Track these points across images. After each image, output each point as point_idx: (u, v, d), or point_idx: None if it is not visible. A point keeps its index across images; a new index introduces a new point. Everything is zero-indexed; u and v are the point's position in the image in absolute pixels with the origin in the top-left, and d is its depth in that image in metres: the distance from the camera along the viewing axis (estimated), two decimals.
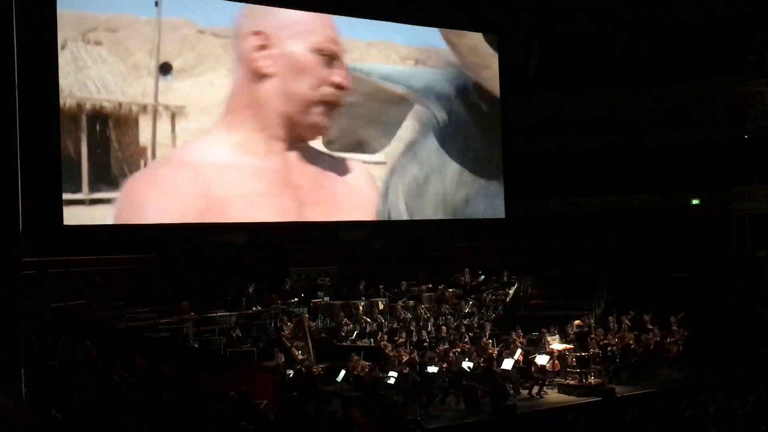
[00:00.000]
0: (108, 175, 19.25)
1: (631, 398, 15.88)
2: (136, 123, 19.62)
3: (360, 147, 22.95)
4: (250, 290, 18.48)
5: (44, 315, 14.32)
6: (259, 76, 20.88)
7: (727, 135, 26.10)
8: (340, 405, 13.95)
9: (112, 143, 19.34)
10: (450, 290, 21.08)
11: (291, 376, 14.81)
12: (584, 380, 16.38)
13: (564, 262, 23.55)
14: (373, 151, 23.20)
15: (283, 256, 21.20)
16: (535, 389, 16.13)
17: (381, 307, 19.43)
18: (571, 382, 16.46)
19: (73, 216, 18.69)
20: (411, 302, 20.02)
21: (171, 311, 17.49)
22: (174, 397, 10.53)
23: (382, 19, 23.54)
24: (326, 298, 19.63)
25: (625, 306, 19.85)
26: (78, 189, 18.86)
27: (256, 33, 20.95)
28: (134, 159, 19.67)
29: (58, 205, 18.30)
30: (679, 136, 26.76)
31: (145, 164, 19.75)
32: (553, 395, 16.26)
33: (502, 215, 25.30)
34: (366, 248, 23.49)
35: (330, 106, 21.85)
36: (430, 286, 21.21)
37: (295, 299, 19.07)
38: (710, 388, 15.02)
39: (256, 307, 18.26)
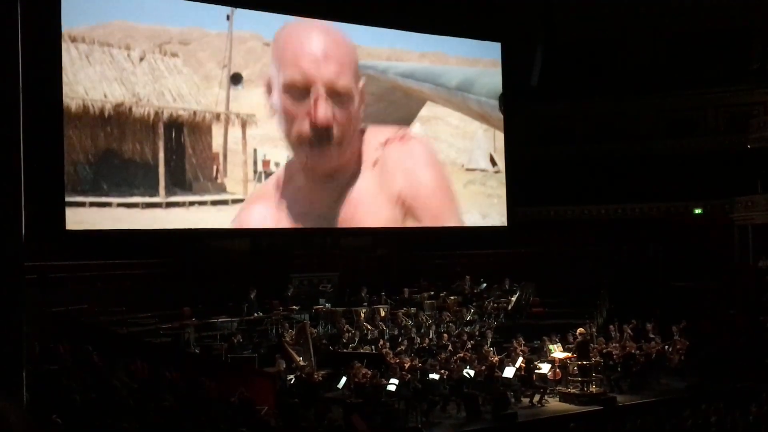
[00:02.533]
0: (183, 180, 20.05)
1: (632, 407, 15.85)
2: (209, 130, 20.55)
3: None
4: (252, 296, 18.48)
5: (46, 319, 14.31)
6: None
7: (730, 144, 26.08)
8: (341, 412, 13.95)
9: (186, 149, 20.12)
10: (452, 298, 21.07)
11: (292, 382, 14.80)
12: (586, 389, 16.36)
13: (566, 271, 23.53)
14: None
15: (284, 263, 21.20)
16: (537, 397, 16.12)
17: (382, 314, 19.43)
18: (573, 391, 16.44)
19: (153, 219, 19.61)
20: (412, 309, 20.01)
21: (172, 316, 17.50)
22: (175, 403, 10.53)
23: (386, 27, 23.57)
24: (328, 305, 19.63)
25: (626, 315, 19.82)
26: (155, 193, 19.61)
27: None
28: (207, 164, 20.52)
29: (60, 209, 18.32)
30: (682, 145, 26.75)
31: (217, 169, 20.62)
32: (554, 404, 16.24)
33: (505, 223, 25.31)
34: (368, 255, 23.49)
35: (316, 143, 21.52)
36: (432, 293, 21.21)
37: (297, 306, 19.07)
38: (712, 398, 15.01)
39: (257, 313, 18.26)
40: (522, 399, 16.09)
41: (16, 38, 6.06)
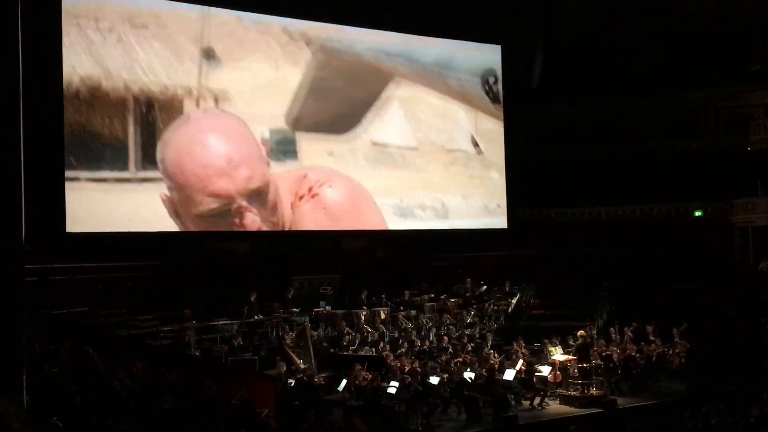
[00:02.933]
0: (153, 156, 19.52)
1: (633, 410, 15.85)
2: (180, 106, 19.97)
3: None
4: (252, 298, 18.47)
5: (46, 321, 14.33)
6: None
7: (731, 146, 26.12)
8: (342, 414, 13.94)
9: (157, 125, 19.62)
10: (452, 300, 21.06)
11: (292, 384, 14.79)
12: (586, 391, 16.35)
13: (566, 273, 23.53)
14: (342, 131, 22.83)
15: (285, 265, 21.19)
16: (537, 400, 16.10)
17: (383, 316, 19.42)
18: (573, 393, 16.43)
19: (120, 198, 19.00)
20: (413, 312, 20.00)
21: (173, 319, 17.48)
22: (175, 405, 10.53)
23: (384, 29, 23.56)
24: (328, 307, 19.62)
25: (627, 317, 19.82)
26: (125, 168, 19.16)
27: None
28: None
29: (61, 212, 18.33)
30: (682, 146, 26.78)
31: None
32: (554, 406, 16.23)
33: (505, 225, 25.30)
34: (368, 257, 23.48)
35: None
36: (432, 295, 21.20)
37: (297, 308, 19.06)
38: (712, 400, 15.00)
39: (258, 316, 18.25)
40: (522, 401, 16.08)
41: (17, 49, 6.07)
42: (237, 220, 20.18)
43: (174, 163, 19.65)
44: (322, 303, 19.74)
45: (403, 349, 17.22)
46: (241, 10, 21.01)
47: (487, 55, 25.39)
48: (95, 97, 18.94)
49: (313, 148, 21.98)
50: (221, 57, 20.53)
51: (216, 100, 20.39)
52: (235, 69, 20.73)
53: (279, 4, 21.65)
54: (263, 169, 20.79)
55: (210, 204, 19.88)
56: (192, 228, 19.74)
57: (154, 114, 19.61)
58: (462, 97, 24.76)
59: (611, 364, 17.42)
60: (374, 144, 23.12)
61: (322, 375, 15.63)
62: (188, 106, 20.04)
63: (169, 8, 20.04)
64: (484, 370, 16.04)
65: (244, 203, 20.20)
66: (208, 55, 20.35)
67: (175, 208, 19.51)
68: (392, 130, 23.52)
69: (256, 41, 21.29)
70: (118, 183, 19.08)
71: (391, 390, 14.49)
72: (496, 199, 25.23)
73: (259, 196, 20.56)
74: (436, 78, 24.25)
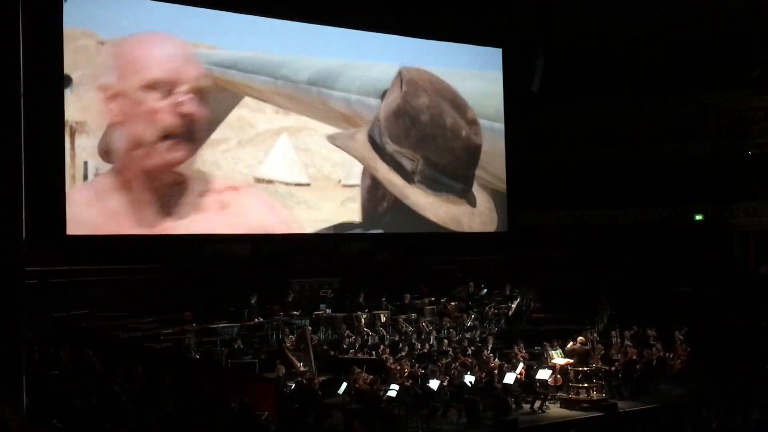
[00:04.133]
0: None
1: (633, 413, 15.81)
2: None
3: None
4: (253, 301, 18.45)
5: (46, 324, 14.33)
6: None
7: (731, 150, 26.13)
8: (341, 417, 13.93)
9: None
10: (452, 303, 21.03)
11: (292, 387, 14.77)
12: (587, 395, 16.34)
13: (567, 276, 23.51)
14: None
15: (285, 268, 21.19)
16: (537, 403, 16.08)
17: (383, 319, 19.40)
18: (574, 397, 16.41)
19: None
20: (413, 315, 19.99)
21: (173, 321, 17.47)
22: (175, 408, 10.53)
23: (382, 32, 23.52)
24: (328, 310, 19.59)
25: (627, 320, 19.80)
26: None
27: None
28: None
29: (61, 215, 18.34)
30: (683, 150, 26.79)
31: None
32: (555, 410, 16.20)
33: (505, 228, 25.29)
34: (368, 260, 23.48)
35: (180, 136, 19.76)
36: (433, 299, 21.18)
37: (297, 311, 19.05)
38: (713, 404, 14.98)
39: (258, 319, 18.23)
40: (523, 405, 16.05)
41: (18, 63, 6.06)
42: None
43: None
44: (322, 306, 19.72)
45: (404, 353, 17.19)
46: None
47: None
48: None
49: None
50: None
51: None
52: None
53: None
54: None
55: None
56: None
57: None
58: (348, 119, 22.85)
59: (612, 368, 17.40)
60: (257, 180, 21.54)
61: (322, 378, 15.60)
62: None
63: None
64: (484, 373, 16.01)
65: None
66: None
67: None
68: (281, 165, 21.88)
69: None
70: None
71: (392, 393, 14.47)
72: None
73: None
74: (314, 99, 22.28)
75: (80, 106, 18.98)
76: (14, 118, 6.25)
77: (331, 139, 22.46)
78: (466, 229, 24.68)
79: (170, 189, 19.86)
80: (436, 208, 24.17)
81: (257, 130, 21.57)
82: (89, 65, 19.14)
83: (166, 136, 19.55)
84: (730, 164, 25.88)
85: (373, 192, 23.40)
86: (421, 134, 23.85)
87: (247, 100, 21.33)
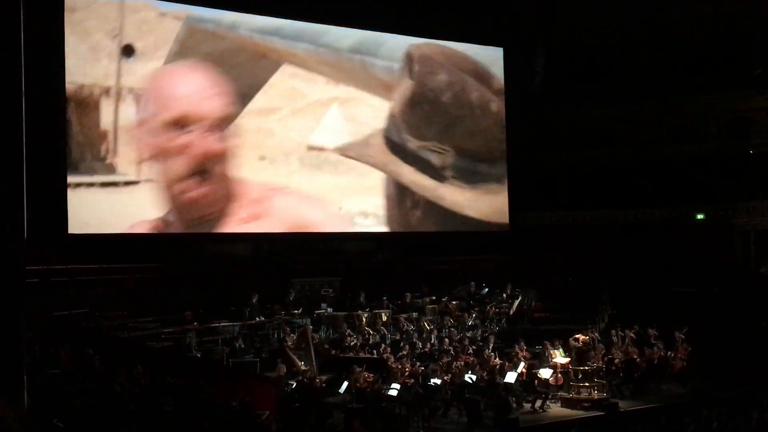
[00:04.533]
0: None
1: (634, 413, 15.82)
2: (97, 106, 18.87)
3: None
4: (254, 301, 18.46)
5: (47, 324, 14.32)
6: None
7: (732, 150, 26.11)
8: (342, 417, 13.93)
9: (72, 126, 18.67)
10: (453, 303, 21.04)
11: (293, 386, 14.78)
12: (587, 394, 16.34)
13: (568, 276, 23.49)
14: None
15: (286, 267, 21.20)
16: (538, 403, 16.09)
17: (384, 318, 19.41)
18: (575, 396, 16.41)
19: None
20: (414, 314, 19.99)
21: (174, 321, 17.46)
22: (176, 407, 10.53)
23: (383, 31, 23.48)
24: (329, 310, 19.59)
25: (628, 320, 19.80)
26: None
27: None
28: (95, 143, 18.92)
29: (62, 214, 18.34)
30: (684, 150, 26.77)
31: (107, 149, 18.80)
32: (556, 409, 16.21)
33: (507, 228, 25.28)
34: (370, 260, 23.48)
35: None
36: (434, 298, 21.18)
37: (299, 310, 19.06)
38: (714, 404, 14.98)
39: (259, 318, 18.24)
40: (524, 404, 16.06)
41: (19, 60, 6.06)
42: None
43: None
44: (323, 305, 19.73)
45: (405, 352, 17.20)
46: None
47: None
48: None
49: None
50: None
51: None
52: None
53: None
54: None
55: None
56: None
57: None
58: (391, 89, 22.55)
59: (613, 367, 17.40)
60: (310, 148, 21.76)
61: (323, 377, 15.60)
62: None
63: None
64: (485, 372, 16.02)
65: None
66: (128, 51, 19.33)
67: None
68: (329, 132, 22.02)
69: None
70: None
71: (393, 392, 14.47)
72: None
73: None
74: (357, 68, 21.97)
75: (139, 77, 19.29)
76: (15, 117, 6.25)
77: (342, 150, 22.06)
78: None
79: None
80: (477, 203, 23.26)
81: (308, 100, 21.64)
82: (151, 35, 19.44)
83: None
84: (731, 164, 25.85)
85: (401, 201, 22.96)
86: (446, 119, 22.79)
87: (297, 70, 21.25)
